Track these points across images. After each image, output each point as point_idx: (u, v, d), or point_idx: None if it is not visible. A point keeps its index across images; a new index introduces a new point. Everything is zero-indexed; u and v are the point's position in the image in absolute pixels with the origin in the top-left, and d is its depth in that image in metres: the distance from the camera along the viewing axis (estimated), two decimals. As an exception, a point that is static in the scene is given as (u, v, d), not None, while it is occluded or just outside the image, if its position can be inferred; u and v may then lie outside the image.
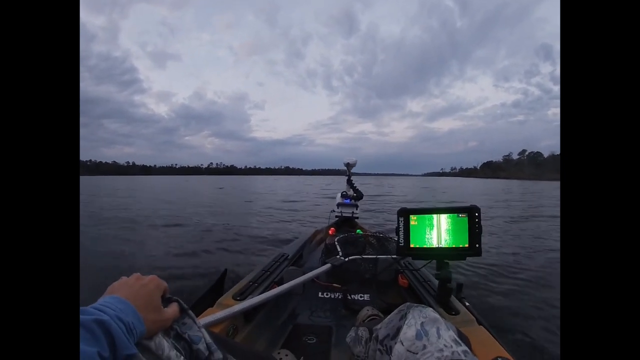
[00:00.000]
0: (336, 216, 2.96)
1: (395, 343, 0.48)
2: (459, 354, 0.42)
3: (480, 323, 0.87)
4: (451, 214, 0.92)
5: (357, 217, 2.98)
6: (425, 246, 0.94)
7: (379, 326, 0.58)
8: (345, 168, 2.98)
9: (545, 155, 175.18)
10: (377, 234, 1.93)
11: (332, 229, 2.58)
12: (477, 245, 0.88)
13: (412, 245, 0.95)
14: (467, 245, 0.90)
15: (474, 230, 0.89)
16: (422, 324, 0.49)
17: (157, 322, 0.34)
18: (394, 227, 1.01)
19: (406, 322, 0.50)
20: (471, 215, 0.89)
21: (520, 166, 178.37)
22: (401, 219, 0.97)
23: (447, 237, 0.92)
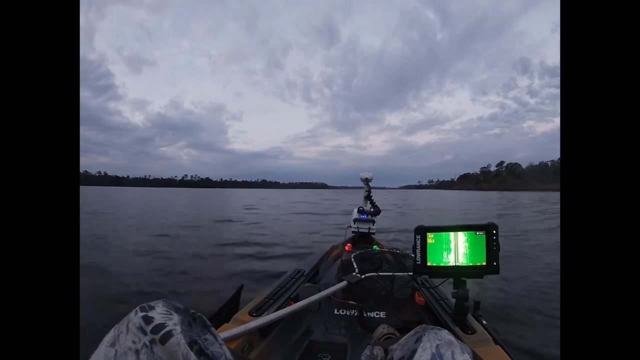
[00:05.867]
0: (352, 232, 2.93)
1: None
2: None
3: (497, 342, 0.84)
4: (468, 232, 0.91)
5: (374, 233, 2.94)
6: (442, 264, 0.93)
7: (394, 346, 0.57)
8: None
9: (524, 166, 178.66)
10: (394, 250, 1.90)
11: (349, 244, 2.55)
12: (494, 264, 0.86)
13: (429, 264, 0.94)
14: (484, 264, 0.88)
15: (492, 248, 0.87)
16: (437, 346, 0.48)
17: None
18: (411, 244, 1.00)
19: (421, 344, 0.50)
20: (489, 233, 0.88)
21: (500, 177, 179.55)
22: (418, 236, 0.96)
23: (465, 255, 0.90)
